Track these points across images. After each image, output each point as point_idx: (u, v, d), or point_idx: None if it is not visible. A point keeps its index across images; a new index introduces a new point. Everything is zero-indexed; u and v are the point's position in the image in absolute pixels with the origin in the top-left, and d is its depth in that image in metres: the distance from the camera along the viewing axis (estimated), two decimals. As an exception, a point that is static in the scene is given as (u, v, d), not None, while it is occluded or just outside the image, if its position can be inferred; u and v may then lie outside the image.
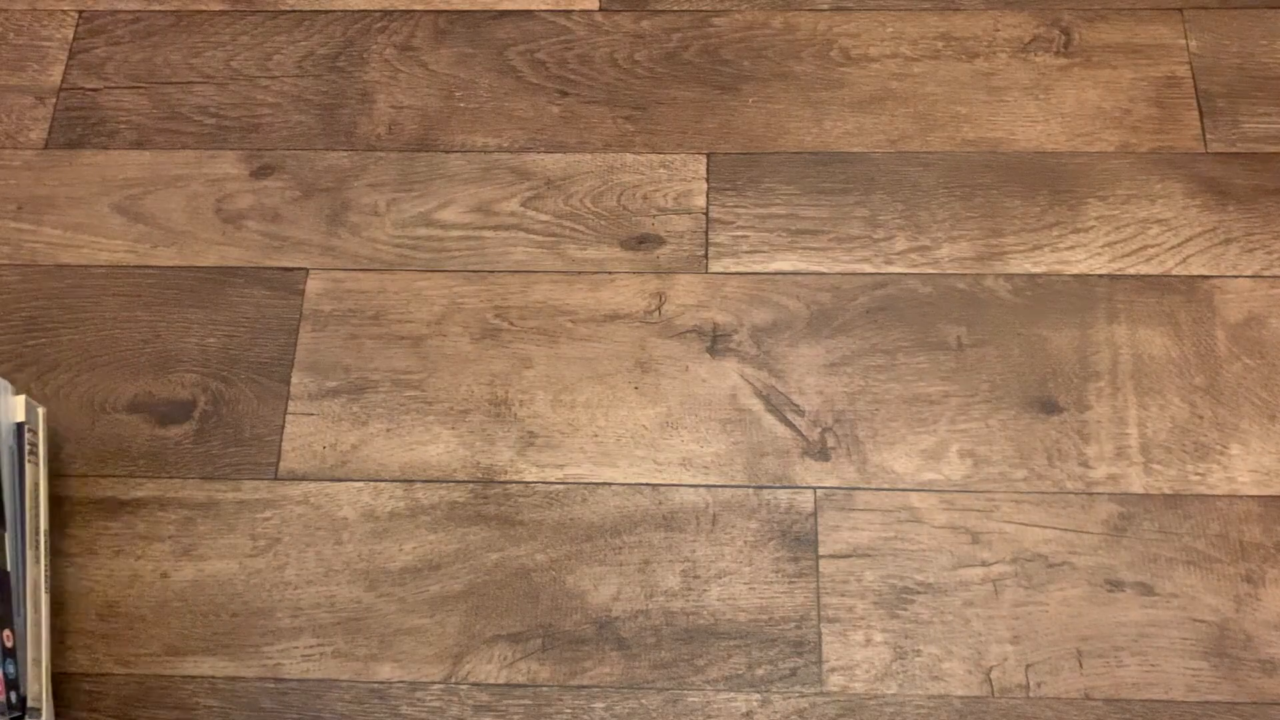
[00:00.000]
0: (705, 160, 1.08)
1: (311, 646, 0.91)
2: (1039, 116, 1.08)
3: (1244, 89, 1.09)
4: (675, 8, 1.15)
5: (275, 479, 0.96)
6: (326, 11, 1.17)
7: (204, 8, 1.18)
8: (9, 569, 0.85)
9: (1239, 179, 1.05)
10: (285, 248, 1.05)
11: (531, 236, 1.05)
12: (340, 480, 0.96)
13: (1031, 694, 0.87)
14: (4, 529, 0.86)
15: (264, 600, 0.92)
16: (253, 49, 1.15)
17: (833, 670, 0.89)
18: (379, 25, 1.16)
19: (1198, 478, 0.94)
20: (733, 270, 1.03)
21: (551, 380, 0.99)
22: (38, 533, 0.91)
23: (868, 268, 1.03)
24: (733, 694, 0.88)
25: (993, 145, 1.07)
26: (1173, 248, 1.02)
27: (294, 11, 1.17)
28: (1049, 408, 0.96)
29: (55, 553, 0.94)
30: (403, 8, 1.17)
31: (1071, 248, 1.03)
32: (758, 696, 0.88)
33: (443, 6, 1.17)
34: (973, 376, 0.98)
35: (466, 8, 1.16)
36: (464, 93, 1.12)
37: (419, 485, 0.96)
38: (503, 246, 1.05)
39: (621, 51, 1.13)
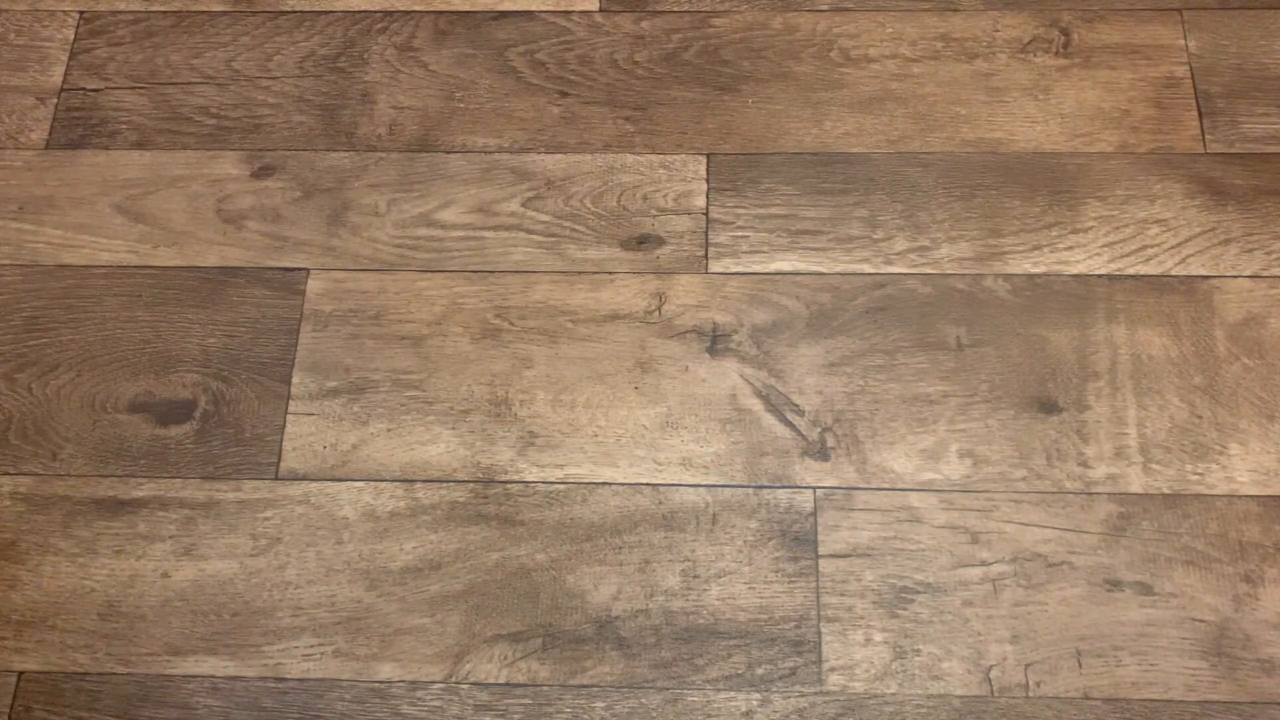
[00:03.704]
0: (705, 161, 1.08)
1: (312, 646, 0.91)
2: (1038, 117, 1.09)
3: (1243, 89, 1.09)
4: (675, 8, 1.16)
5: (276, 479, 0.96)
6: (327, 12, 1.17)
7: (205, 8, 1.18)
8: None
9: (1238, 179, 1.05)
10: (286, 248, 1.05)
11: (532, 237, 1.05)
12: (341, 480, 0.96)
13: (1031, 693, 0.88)
14: None
15: (265, 600, 0.92)
16: (254, 50, 1.15)
17: (832, 670, 0.89)
18: (379, 26, 1.16)
19: (1196, 477, 0.94)
20: (733, 270, 1.03)
21: (551, 380, 0.99)
22: None
23: (867, 268, 1.03)
24: (733, 693, 0.88)
25: (992, 146, 1.08)
26: (1172, 248, 1.02)
27: (295, 12, 1.17)
28: (1048, 408, 0.97)
29: (56, 552, 0.94)
30: (403, 8, 1.17)
31: (1071, 248, 1.03)
32: (758, 696, 0.88)
33: (443, 7, 1.17)
34: (972, 376, 0.98)
35: (467, 9, 1.16)
36: (464, 93, 1.12)
37: (419, 485, 0.96)
38: (503, 247, 1.05)
39: (621, 52, 1.14)
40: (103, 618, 0.92)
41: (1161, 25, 1.12)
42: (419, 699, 0.89)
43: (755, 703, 0.88)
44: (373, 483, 0.96)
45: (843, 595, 0.91)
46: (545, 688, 0.89)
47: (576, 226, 1.06)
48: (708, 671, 0.89)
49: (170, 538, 0.95)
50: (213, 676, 0.90)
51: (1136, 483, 0.94)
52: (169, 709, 0.89)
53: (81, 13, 1.18)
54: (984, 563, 0.92)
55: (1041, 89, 1.10)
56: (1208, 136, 1.07)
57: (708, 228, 1.05)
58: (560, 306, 1.02)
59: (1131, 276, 1.01)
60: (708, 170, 1.07)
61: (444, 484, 0.96)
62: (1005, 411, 0.97)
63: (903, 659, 0.89)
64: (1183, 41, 1.12)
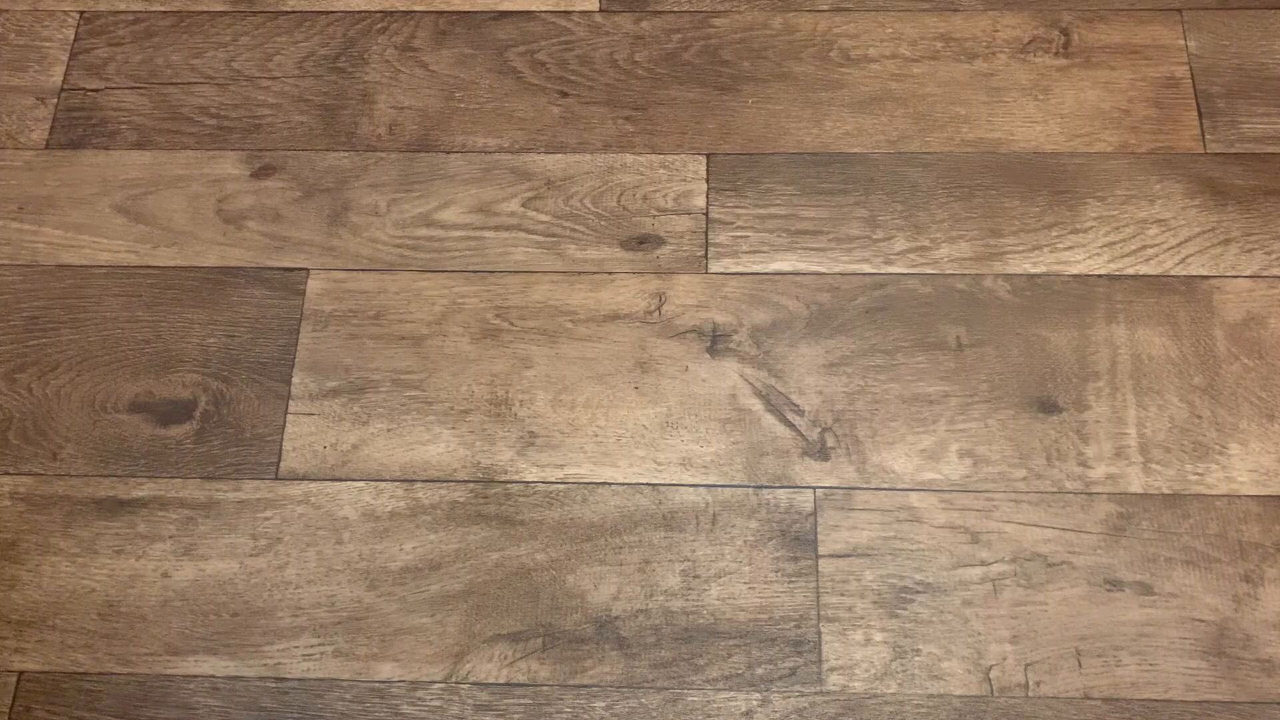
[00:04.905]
0: (705, 161, 1.08)
1: (312, 646, 0.91)
2: (1038, 117, 1.09)
3: (1243, 89, 1.09)
4: (675, 8, 1.16)
5: (276, 479, 0.96)
6: (327, 12, 1.17)
7: (205, 8, 1.18)
8: None
9: (1238, 179, 1.05)
10: (286, 248, 1.05)
11: (532, 237, 1.05)
12: (341, 480, 0.96)
13: (1030, 693, 0.88)
14: None
15: (265, 600, 0.92)
16: (254, 50, 1.15)
17: (832, 670, 0.89)
18: (379, 26, 1.16)
19: (1196, 477, 0.94)
20: (732, 270, 1.03)
21: (551, 380, 0.99)
22: None
23: (867, 268, 1.03)
24: (733, 693, 0.88)
25: (992, 146, 1.08)
26: (1172, 248, 1.02)
27: (295, 12, 1.17)
28: (1048, 408, 0.97)
29: (56, 552, 0.94)
30: (403, 8, 1.17)
31: (1070, 248, 1.03)
32: (757, 696, 0.88)
33: (443, 7, 1.17)
34: (972, 376, 0.98)
35: (467, 9, 1.17)
36: (464, 93, 1.12)
37: (419, 485, 0.96)
38: (503, 247, 1.05)
39: (621, 52, 1.14)
40: (103, 618, 0.92)
41: (1161, 25, 1.12)
42: (419, 699, 0.89)
43: (755, 703, 0.88)
44: (373, 483, 0.96)
45: (843, 595, 0.91)
46: (545, 688, 0.89)
47: (576, 226, 1.06)
48: (708, 671, 0.89)
49: (170, 538, 0.95)
50: (213, 676, 0.90)
51: (1136, 483, 0.94)
52: (169, 709, 0.89)
53: (81, 13, 1.18)
54: (984, 563, 0.92)
55: (1041, 89, 1.10)
56: (1208, 136, 1.07)
57: (708, 228, 1.05)
58: (560, 306, 1.02)
59: (1131, 276, 1.01)
60: (708, 170, 1.07)
61: (444, 484, 0.96)
62: (1005, 411, 0.97)
63: (902, 659, 0.89)
64: (1183, 41, 1.12)
